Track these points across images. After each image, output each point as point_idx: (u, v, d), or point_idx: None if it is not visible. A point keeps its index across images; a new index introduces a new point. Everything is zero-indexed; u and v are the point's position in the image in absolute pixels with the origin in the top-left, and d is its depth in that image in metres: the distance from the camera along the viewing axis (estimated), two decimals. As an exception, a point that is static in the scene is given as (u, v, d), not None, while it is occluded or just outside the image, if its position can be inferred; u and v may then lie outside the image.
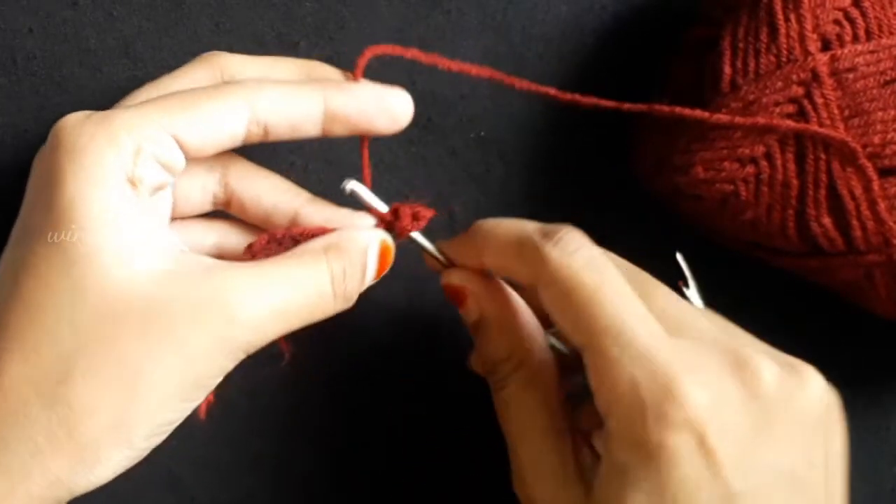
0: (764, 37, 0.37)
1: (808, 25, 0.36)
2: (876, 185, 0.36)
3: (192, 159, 0.33)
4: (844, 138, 0.35)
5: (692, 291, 0.40)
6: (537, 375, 0.37)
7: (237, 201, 0.37)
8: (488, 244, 0.37)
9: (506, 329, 0.38)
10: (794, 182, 0.37)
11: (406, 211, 0.37)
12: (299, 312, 0.33)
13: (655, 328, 0.33)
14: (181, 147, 0.32)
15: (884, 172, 0.36)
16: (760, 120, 0.36)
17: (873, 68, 0.36)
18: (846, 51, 0.36)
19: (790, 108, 0.36)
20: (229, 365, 0.32)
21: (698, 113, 0.37)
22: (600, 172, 0.45)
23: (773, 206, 0.37)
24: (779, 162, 0.37)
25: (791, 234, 0.38)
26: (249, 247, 0.35)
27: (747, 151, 0.37)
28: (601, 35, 0.45)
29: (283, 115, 0.34)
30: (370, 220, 0.37)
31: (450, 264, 0.39)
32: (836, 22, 0.36)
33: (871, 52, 0.36)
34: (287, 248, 0.35)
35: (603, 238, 0.44)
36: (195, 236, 0.37)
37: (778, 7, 0.36)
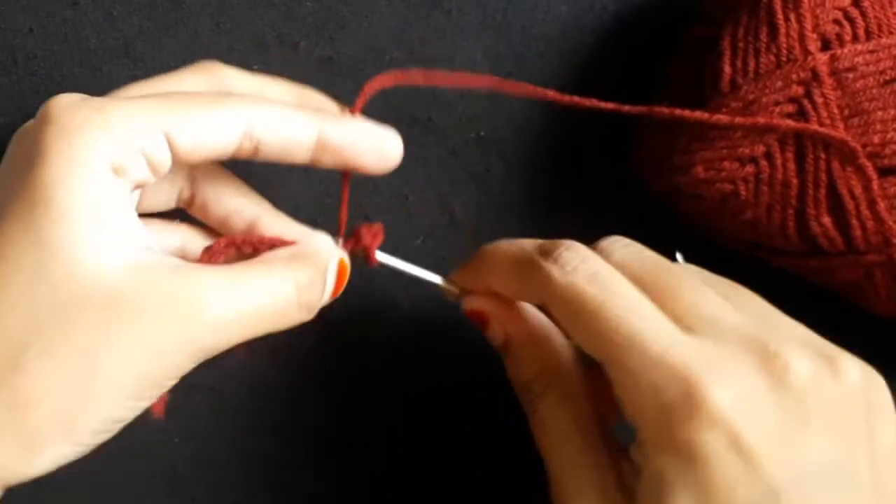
0: (764, 36, 0.37)
1: (808, 25, 0.36)
2: (876, 185, 0.36)
3: (178, 163, 0.33)
4: (844, 138, 0.35)
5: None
6: (569, 391, 0.36)
7: (200, 200, 0.37)
8: (491, 269, 0.37)
9: (532, 348, 0.37)
10: (794, 181, 0.37)
11: (364, 230, 0.37)
12: (264, 318, 0.33)
13: (670, 331, 0.32)
14: (171, 148, 0.32)
15: (883, 172, 0.36)
16: (760, 120, 0.36)
17: (873, 68, 0.36)
18: (846, 50, 0.36)
19: (790, 108, 0.36)
20: (188, 365, 0.32)
21: (698, 114, 0.37)
22: (600, 172, 0.45)
23: (773, 206, 0.37)
24: (779, 161, 0.37)
25: (791, 233, 0.38)
26: (208, 248, 0.35)
27: (747, 151, 0.37)
28: (601, 35, 0.45)
29: (277, 135, 0.33)
30: (328, 239, 0.37)
31: (466, 291, 0.39)
32: (836, 21, 0.36)
33: (871, 51, 0.36)
34: (245, 255, 0.35)
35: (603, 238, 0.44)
36: (159, 237, 0.37)
37: (778, 7, 0.36)
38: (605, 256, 0.35)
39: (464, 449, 0.46)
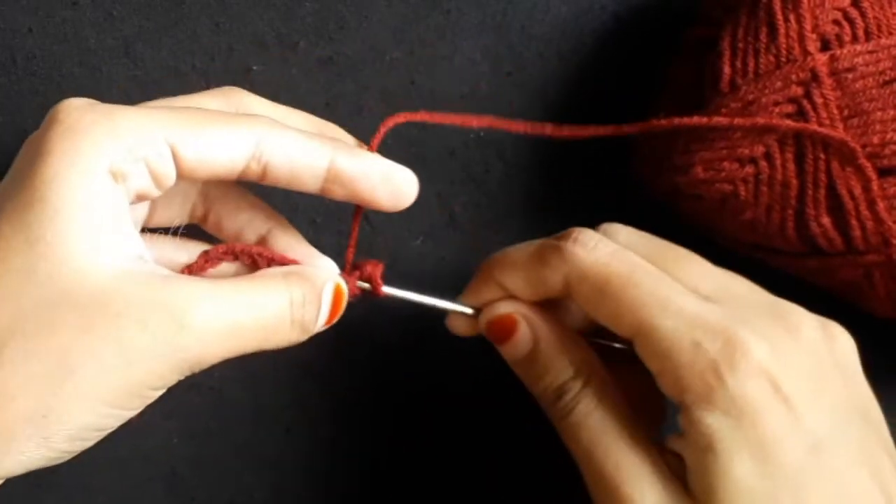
0: (763, 37, 0.37)
1: (808, 25, 0.36)
2: (875, 185, 0.36)
3: (183, 178, 0.32)
4: (844, 138, 0.35)
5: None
6: (608, 386, 0.36)
7: (214, 216, 0.37)
8: (508, 265, 0.37)
9: (566, 345, 0.37)
10: (794, 182, 0.37)
11: (366, 263, 0.37)
12: (254, 333, 0.32)
13: (696, 296, 0.34)
14: (176, 161, 0.31)
15: (883, 172, 0.36)
16: (760, 120, 0.36)
17: (872, 68, 0.36)
18: (845, 51, 0.36)
19: (789, 108, 0.36)
20: (171, 377, 0.31)
21: (696, 120, 0.37)
22: (600, 172, 0.45)
23: (773, 206, 0.37)
24: (778, 162, 0.37)
25: (790, 234, 0.38)
26: (205, 252, 0.35)
27: (747, 151, 0.37)
28: (601, 35, 0.45)
29: (286, 159, 0.33)
30: (331, 263, 0.36)
31: (475, 312, 0.38)
32: (836, 22, 0.36)
33: (871, 52, 0.36)
34: (246, 266, 0.35)
35: (602, 238, 0.44)
36: (166, 253, 0.36)
37: (777, 7, 0.36)
38: (611, 238, 0.36)
39: (464, 449, 0.46)
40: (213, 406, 0.45)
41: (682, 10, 0.43)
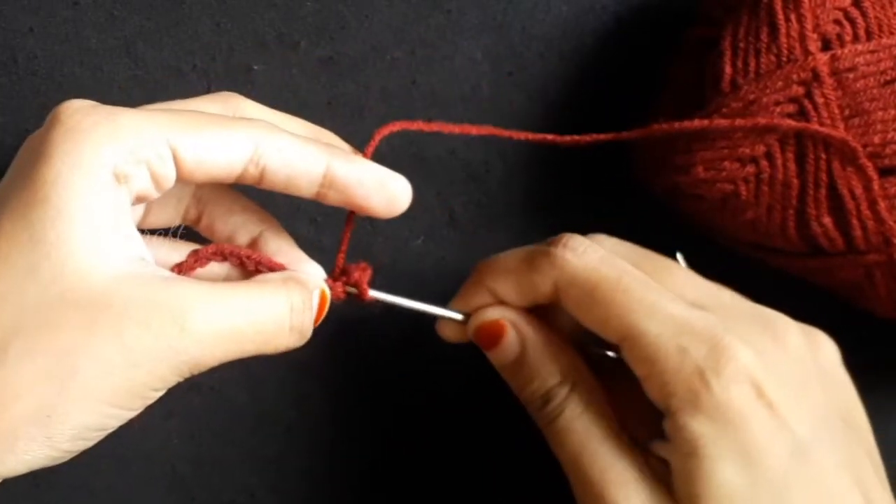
0: (764, 36, 0.37)
1: (809, 25, 0.36)
2: (876, 185, 0.36)
3: (182, 180, 0.32)
4: (845, 138, 0.35)
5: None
6: (594, 392, 0.36)
7: (207, 219, 0.37)
8: (498, 271, 0.37)
9: (553, 351, 0.37)
10: (795, 182, 0.37)
11: (353, 268, 0.37)
12: (253, 338, 0.32)
13: (682, 303, 0.34)
14: (176, 163, 0.32)
15: (884, 172, 0.36)
16: (761, 120, 0.36)
17: (873, 68, 0.36)
18: (846, 50, 0.36)
19: (790, 108, 0.36)
20: (172, 379, 0.31)
21: (697, 122, 0.37)
22: (600, 172, 0.45)
23: (774, 206, 0.37)
24: (779, 161, 0.37)
25: (791, 233, 0.38)
26: (195, 252, 0.35)
27: (748, 151, 0.37)
28: (601, 35, 0.45)
29: (283, 163, 0.33)
30: (318, 268, 0.37)
31: (465, 318, 0.38)
32: (837, 22, 0.36)
33: (872, 51, 0.36)
34: (235, 267, 0.35)
35: (603, 238, 0.44)
36: (160, 254, 0.36)
37: (778, 7, 0.36)
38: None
39: (465, 448, 0.46)
40: (214, 406, 0.45)
41: (682, 10, 0.43)
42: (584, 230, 0.42)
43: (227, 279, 0.36)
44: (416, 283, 0.44)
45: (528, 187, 0.45)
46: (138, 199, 0.32)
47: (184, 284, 0.31)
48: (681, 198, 0.40)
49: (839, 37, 0.36)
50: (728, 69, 0.37)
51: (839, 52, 0.36)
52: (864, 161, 0.36)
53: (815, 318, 0.46)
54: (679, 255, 0.40)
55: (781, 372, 0.33)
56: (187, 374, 0.31)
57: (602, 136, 0.37)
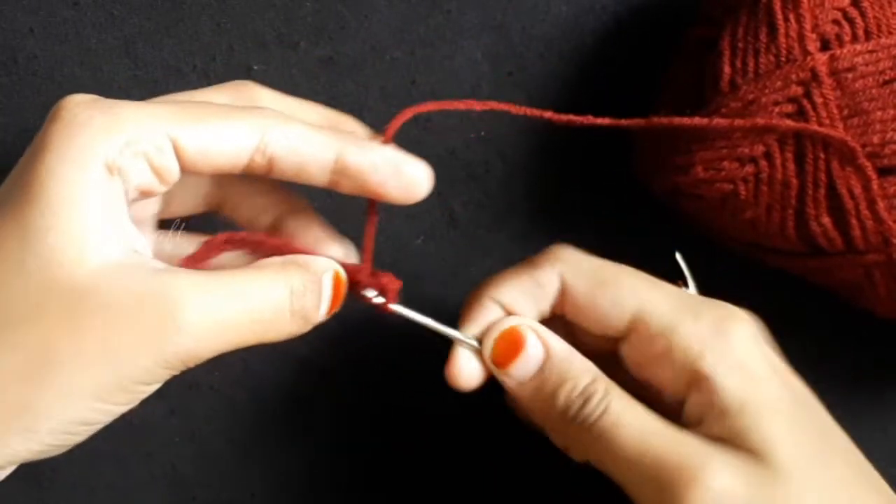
0: (763, 37, 0.37)
1: (808, 25, 0.36)
2: (875, 185, 0.36)
3: (186, 172, 0.32)
4: (844, 138, 0.35)
5: (692, 291, 0.40)
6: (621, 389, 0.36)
7: (231, 202, 0.37)
8: (501, 280, 0.37)
9: (576, 351, 0.36)
10: (794, 181, 0.37)
11: (384, 276, 0.36)
12: (252, 327, 0.31)
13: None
14: (178, 155, 0.31)
15: (883, 172, 0.36)
16: (760, 121, 0.36)
17: (872, 68, 0.36)
18: (845, 50, 0.36)
19: (789, 108, 0.36)
20: (161, 373, 0.30)
21: (697, 120, 0.37)
22: (600, 172, 0.45)
23: (773, 206, 0.37)
24: (778, 161, 0.37)
25: (790, 233, 0.38)
26: (207, 242, 0.34)
27: (747, 151, 0.37)
28: (601, 35, 0.45)
29: (291, 152, 0.32)
30: (339, 250, 0.36)
31: (478, 344, 0.37)
32: (836, 22, 0.36)
33: (870, 51, 0.36)
34: (247, 254, 0.34)
35: (603, 238, 0.44)
36: (180, 248, 0.36)
37: (777, 7, 0.36)
38: None
39: (466, 448, 0.46)
40: (214, 406, 0.45)
41: (682, 10, 0.43)
42: (584, 230, 0.42)
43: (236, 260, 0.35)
44: (416, 283, 0.44)
45: (528, 187, 0.45)
46: (143, 193, 0.32)
47: (175, 275, 0.30)
48: (681, 198, 0.40)
49: (838, 37, 0.36)
50: (727, 69, 0.37)
51: (838, 52, 0.36)
52: (863, 161, 0.36)
53: (815, 318, 0.46)
54: (679, 256, 0.40)
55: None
56: (181, 368, 0.31)
57: (599, 121, 0.37)
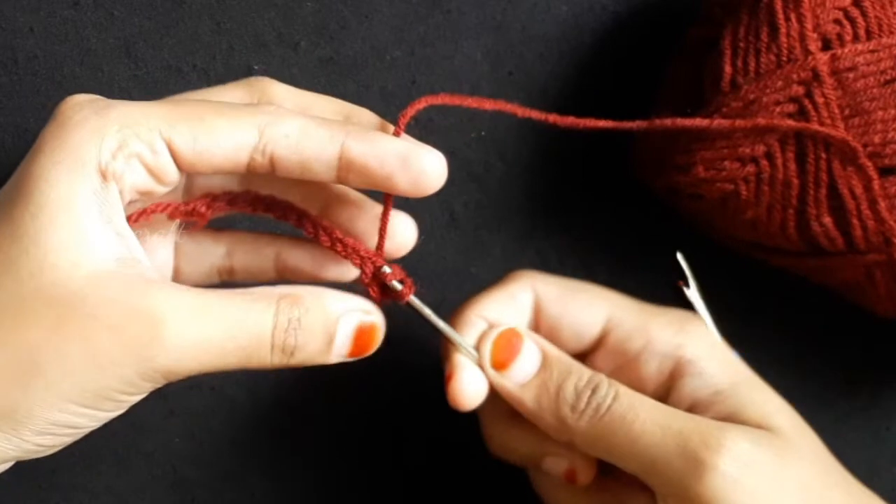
0: (764, 36, 0.37)
1: (809, 25, 0.36)
2: (876, 185, 0.36)
3: (187, 172, 0.32)
4: (845, 137, 0.35)
5: (692, 291, 0.40)
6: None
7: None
8: (480, 298, 0.38)
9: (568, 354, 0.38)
10: (795, 181, 0.37)
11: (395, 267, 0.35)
12: (234, 352, 0.30)
13: None
14: (173, 156, 0.31)
15: (884, 171, 0.36)
16: (761, 121, 0.36)
17: (873, 67, 0.36)
18: (846, 50, 0.36)
19: (791, 108, 0.36)
20: (143, 385, 0.30)
21: (698, 121, 0.37)
22: (600, 172, 0.45)
23: (774, 206, 0.37)
24: (779, 161, 0.37)
25: (791, 233, 0.38)
26: (215, 196, 0.34)
27: (748, 151, 0.37)
28: (601, 35, 0.45)
29: (292, 149, 0.31)
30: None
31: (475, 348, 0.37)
32: (837, 21, 0.36)
33: (872, 51, 0.36)
34: (249, 212, 0.34)
35: (603, 238, 0.44)
36: (202, 245, 0.36)
37: (778, 6, 0.36)
38: None
39: (467, 448, 0.46)
40: (214, 406, 0.45)
41: (682, 10, 0.43)
42: (584, 230, 0.42)
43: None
44: (416, 282, 0.44)
45: (528, 187, 0.45)
46: (141, 195, 0.32)
47: (164, 290, 0.30)
48: (681, 198, 0.40)
49: (839, 36, 0.36)
50: (728, 69, 0.37)
51: (839, 51, 0.36)
52: (865, 161, 0.36)
53: (814, 318, 0.46)
54: (679, 256, 0.40)
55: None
56: (162, 382, 0.30)
57: (602, 123, 0.37)
